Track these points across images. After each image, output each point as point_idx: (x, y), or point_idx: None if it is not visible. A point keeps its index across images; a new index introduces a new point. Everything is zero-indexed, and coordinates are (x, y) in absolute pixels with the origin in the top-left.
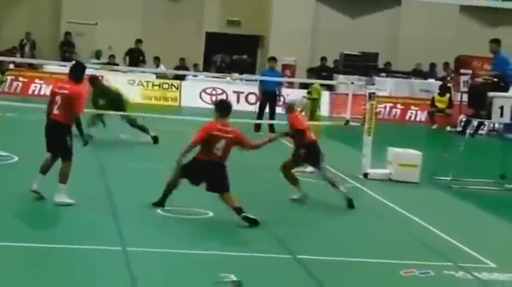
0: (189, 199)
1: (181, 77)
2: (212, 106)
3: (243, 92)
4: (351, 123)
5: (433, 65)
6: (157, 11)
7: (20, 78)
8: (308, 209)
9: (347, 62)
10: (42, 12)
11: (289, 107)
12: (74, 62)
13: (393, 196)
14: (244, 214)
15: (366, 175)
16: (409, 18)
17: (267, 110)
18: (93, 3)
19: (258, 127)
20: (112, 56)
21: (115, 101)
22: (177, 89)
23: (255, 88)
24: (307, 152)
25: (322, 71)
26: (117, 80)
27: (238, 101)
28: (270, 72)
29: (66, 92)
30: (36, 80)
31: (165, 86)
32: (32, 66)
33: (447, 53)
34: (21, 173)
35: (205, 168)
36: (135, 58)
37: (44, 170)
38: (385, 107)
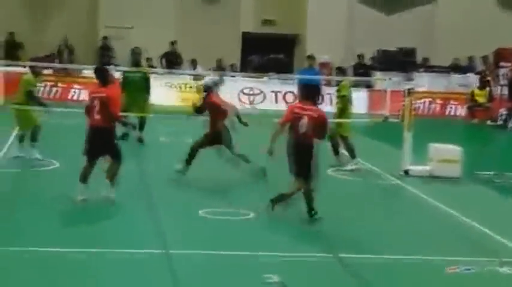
0: (229, 199)
1: None
2: (249, 106)
3: (280, 92)
4: (390, 119)
5: (471, 59)
6: (193, 13)
7: (59, 84)
8: (347, 206)
9: (384, 59)
10: (80, 17)
11: (206, 89)
12: (95, 67)
13: (435, 193)
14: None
15: (406, 172)
16: (446, 12)
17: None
18: (129, 6)
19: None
20: (149, 59)
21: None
22: None
23: (292, 87)
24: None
25: (359, 68)
26: (154, 84)
27: (276, 100)
28: (309, 70)
29: (104, 95)
30: (75, 86)
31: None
32: (70, 72)
33: (486, 46)
34: (62, 179)
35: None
36: (171, 60)
37: (85, 178)
38: (423, 103)
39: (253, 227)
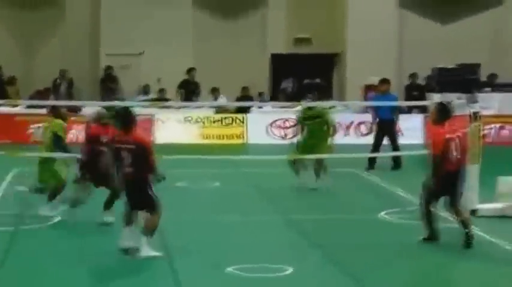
0: (263, 252)
1: (246, 110)
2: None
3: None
4: None
5: None
6: (212, 33)
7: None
8: (405, 255)
9: (442, 78)
10: (78, 45)
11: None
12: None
13: (509, 236)
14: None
15: (474, 212)
16: None
17: (384, 142)
18: (136, 30)
19: (372, 163)
20: (162, 90)
21: None
22: (242, 123)
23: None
24: None
25: (412, 90)
26: (170, 118)
27: None
28: (384, 97)
29: (133, 147)
30: (75, 125)
31: (227, 121)
32: (69, 109)
33: None
34: (64, 235)
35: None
36: (190, 90)
37: (130, 221)
38: (493, 129)
39: (293, 285)
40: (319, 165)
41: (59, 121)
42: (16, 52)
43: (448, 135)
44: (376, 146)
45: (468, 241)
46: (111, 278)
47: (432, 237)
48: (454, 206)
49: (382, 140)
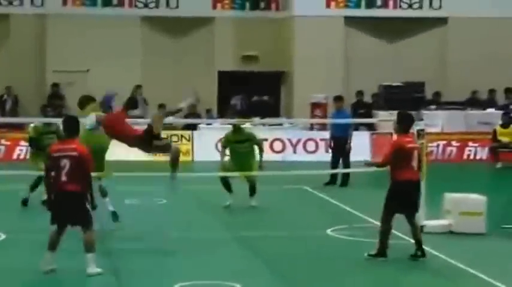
0: (212, 269)
1: (193, 127)
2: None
3: (266, 139)
4: None
5: (492, 92)
6: (158, 51)
7: (2, 141)
8: (351, 272)
9: (388, 95)
10: (24, 61)
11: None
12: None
13: (455, 251)
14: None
15: (421, 228)
16: (459, 38)
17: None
18: (82, 47)
19: (333, 179)
20: (109, 108)
21: None
22: (189, 141)
23: (280, 134)
24: None
25: (359, 108)
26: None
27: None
28: (338, 114)
29: (75, 153)
30: (22, 143)
31: (174, 138)
32: (15, 127)
33: (510, 76)
34: (10, 253)
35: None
36: (135, 108)
37: (54, 246)
38: (437, 146)
39: None
40: (252, 186)
41: None
42: None
43: (410, 145)
44: (334, 163)
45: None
46: None
47: (381, 254)
48: (413, 219)
49: (338, 157)
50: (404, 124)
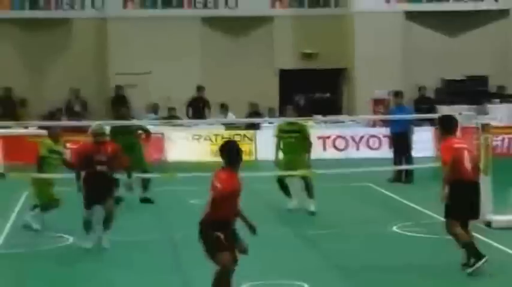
0: (279, 269)
1: (255, 126)
2: None
3: (329, 137)
4: None
5: None
6: (218, 51)
7: (69, 145)
8: (420, 272)
9: (451, 90)
10: (87, 65)
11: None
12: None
13: None
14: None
15: (488, 224)
16: None
17: None
18: (143, 49)
19: (398, 175)
20: (172, 109)
21: None
22: (251, 140)
23: (342, 131)
24: None
25: (421, 103)
26: (180, 136)
27: (324, 147)
28: (397, 109)
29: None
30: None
31: (237, 137)
32: (83, 130)
33: None
34: (78, 256)
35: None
36: (199, 108)
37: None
38: (502, 140)
39: None
40: (307, 184)
41: (46, 141)
42: (26, 74)
43: (457, 145)
44: (396, 159)
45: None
46: None
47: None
48: (467, 224)
49: (399, 153)
50: (447, 127)
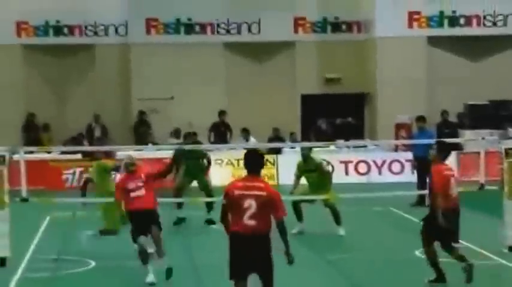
0: None
1: (277, 150)
2: None
3: (351, 162)
4: (487, 187)
5: None
6: (241, 77)
7: (90, 169)
8: None
9: (474, 114)
10: (109, 90)
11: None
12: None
13: None
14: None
15: (511, 248)
16: None
17: None
18: (166, 75)
19: (421, 199)
20: (194, 134)
21: None
22: (273, 164)
23: (365, 155)
24: None
25: (444, 127)
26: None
27: (346, 172)
28: (420, 134)
29: (264, 193)
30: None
31: None
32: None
33: None
34: (100, 280)
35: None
36: (221, 133)
37: None
38: None
39: None
40: (333, 211)
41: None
42: (49, 99)
43: (447, 172)
44: (420, 183)
45: (470, 273)
46: None
47: (439, 278)
48: (450, 244)
49: (423, 177)
50: (444, 153)
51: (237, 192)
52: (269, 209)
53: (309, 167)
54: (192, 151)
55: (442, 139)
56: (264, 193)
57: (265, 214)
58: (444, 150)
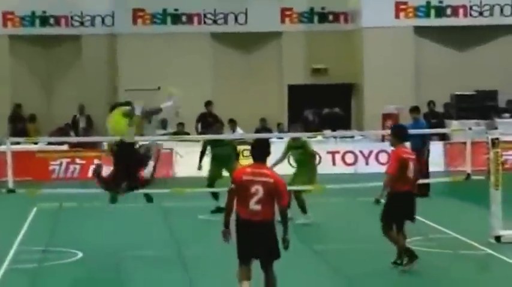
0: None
1: None
2: None
3: (338, 152)
4: (473, 177)
5: None
6: (228, 67)
7: (77, 161)
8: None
9: (460, 105)
10: (96, 81)
11: None
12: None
13: None
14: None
15: (498, 238)
16: None
17: None
18: (153, 65)
19: (423, 189)
20: (181, 124)
21: None
22: None
23: (352, 146)
24: None
25: (431, 118)
26: (189, 152)
27: (334, 162)
28: (414, 124)
29: (271, 180)
30: (96, 161)
31: (246, 153)
32: (89, 146)
33: None
34: (88, 271)
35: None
36: (208, 123)
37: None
38: None
39: None
40: (298, 199)
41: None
42: (35, 90)
43: (406, 156)
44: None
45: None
46: None
47: (412, 257)
48: (402, 228)
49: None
50: (399, 136)
51: (245, 177)
52: (274, 195)
53: (295, 144)
54: (218, 139)
55: (398, 124)
56: (271, 180)
57: (271, 200)
58: (399, 134)
